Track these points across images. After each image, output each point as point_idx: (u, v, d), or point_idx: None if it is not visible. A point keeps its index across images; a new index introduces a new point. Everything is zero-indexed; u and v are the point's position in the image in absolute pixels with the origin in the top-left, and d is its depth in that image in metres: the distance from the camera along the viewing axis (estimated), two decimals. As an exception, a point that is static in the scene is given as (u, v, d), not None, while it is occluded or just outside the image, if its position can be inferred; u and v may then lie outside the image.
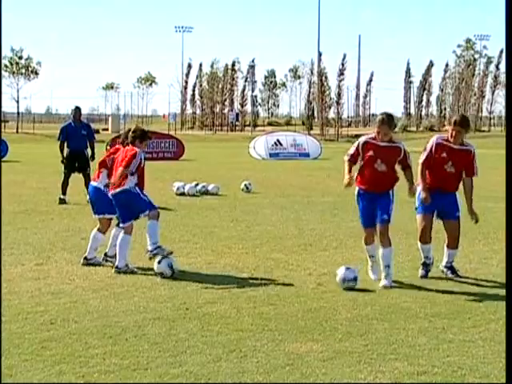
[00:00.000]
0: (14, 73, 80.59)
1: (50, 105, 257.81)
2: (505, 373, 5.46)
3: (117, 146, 10.17)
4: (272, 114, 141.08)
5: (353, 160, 8.81)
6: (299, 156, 40.45)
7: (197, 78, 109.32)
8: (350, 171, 8.73)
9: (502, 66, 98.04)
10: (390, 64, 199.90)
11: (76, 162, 16.86)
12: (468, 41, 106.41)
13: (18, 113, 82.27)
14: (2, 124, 63.07)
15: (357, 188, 8.89)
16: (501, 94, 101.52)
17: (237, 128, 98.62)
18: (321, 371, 5.61)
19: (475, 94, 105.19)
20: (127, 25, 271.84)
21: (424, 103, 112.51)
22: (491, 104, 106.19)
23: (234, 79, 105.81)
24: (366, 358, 5.93)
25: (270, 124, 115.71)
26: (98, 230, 9.85)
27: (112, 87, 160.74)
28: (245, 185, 19.66)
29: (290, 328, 6.78)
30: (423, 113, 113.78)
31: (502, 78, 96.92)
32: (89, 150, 16.96)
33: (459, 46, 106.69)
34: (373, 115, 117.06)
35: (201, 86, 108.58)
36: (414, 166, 8.90)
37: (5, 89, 78.70)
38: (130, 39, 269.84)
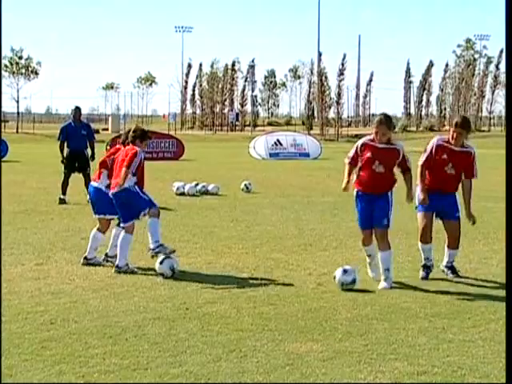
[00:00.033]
0: (13, 73, 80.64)
1: (50, 105, 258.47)
2: (505, 373, 5.46)
3: (117, 146, 10.18)
4: (272, 113, 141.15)
5: (353, 163, 8.79)
6: (299, 156, 40.46)
7: (197, 77, 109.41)
8: (349, 174, 8.72)
9: (502, 66, 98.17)
10: (390, 64, 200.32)
11: (76, 161, 16.87)
12: (468, 41, 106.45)
13: (18, 113, 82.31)
14: (2, 124, 63.09)
15: (355, 189, 8.89)
16: (501, 93, 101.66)
17: (237, 128, 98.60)
18: (321, 371, 5.61)
19: (475, 94, 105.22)
20: (127, 25, 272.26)
21: (424, 103, 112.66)
22: (491, 104, 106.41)
23: (233, 79, 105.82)
24: (366, 358, 5.93)
25: (269, 124, 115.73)
26: (98, 229, 9.85)
27: (112, 87, 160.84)
28: (245, 185, 19.66)
29: (290, 328, 6.78)
30: (423, 113, 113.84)
31: (502, 77, 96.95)
32: (89, 150, 16.97)
33: (459, 45, 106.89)
34: (373, 115, 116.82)
35: (201, 85, 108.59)
36: (413, 167, 8.89)
37: (5, 89, 78.92)
38: (130, 39, 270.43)
